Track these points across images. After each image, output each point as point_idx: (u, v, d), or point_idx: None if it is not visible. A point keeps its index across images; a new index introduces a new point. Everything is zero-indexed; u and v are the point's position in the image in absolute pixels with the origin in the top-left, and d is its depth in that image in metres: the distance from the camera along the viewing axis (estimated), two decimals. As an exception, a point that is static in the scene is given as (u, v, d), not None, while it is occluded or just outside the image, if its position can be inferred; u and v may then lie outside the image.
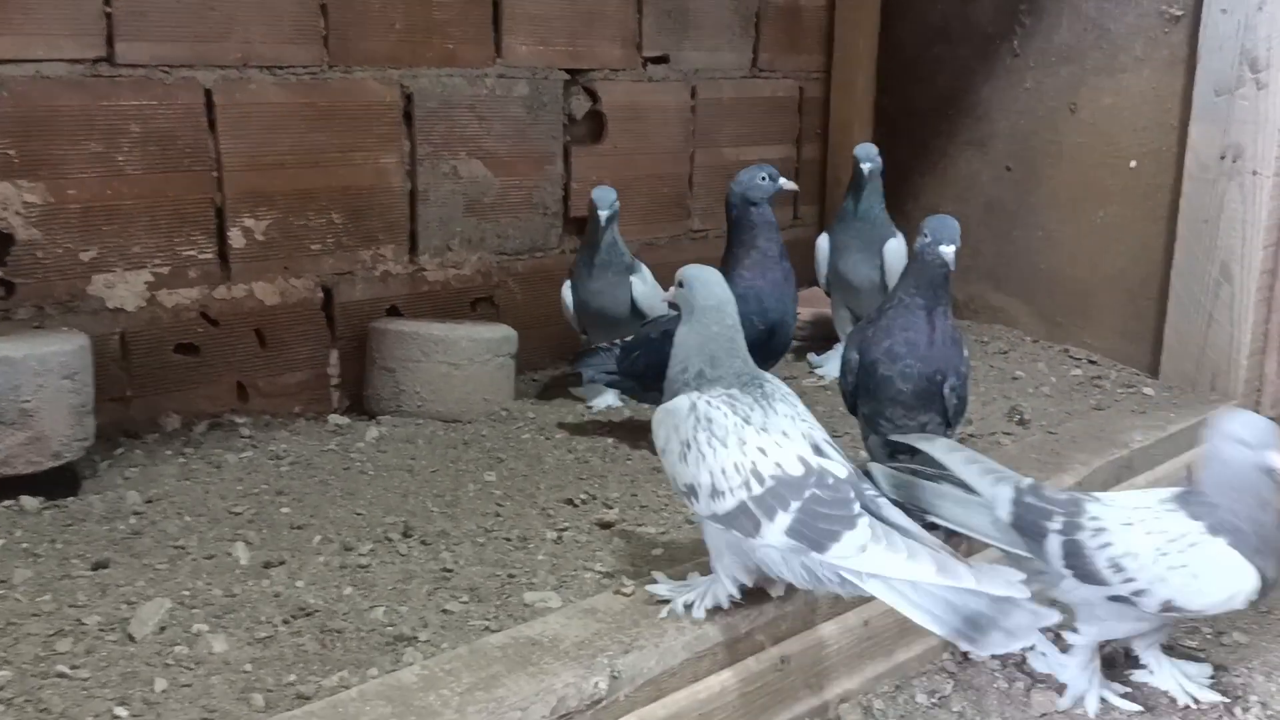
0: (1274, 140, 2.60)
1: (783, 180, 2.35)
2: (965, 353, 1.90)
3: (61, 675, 1.46)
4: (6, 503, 1.98)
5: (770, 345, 2.29)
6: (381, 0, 2.61)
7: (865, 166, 2.87)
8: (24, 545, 1.84)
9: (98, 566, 1.76)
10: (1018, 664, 1.87)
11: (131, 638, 1.55)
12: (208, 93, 2.41)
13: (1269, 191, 2.64)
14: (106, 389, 2.33)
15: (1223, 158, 2.69)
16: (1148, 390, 2.83)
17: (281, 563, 1.80)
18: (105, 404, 2.31)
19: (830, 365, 2.99)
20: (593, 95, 3.07)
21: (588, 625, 1.56)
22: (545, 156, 3.00)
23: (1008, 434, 2.53)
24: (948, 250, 1.80)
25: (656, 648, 1.52)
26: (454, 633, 1.59)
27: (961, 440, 2.46)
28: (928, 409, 1.86)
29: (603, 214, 2.57)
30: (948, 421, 1.89)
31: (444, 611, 1.66)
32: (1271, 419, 2.78)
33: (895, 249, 2.92)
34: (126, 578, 1.73)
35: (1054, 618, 1.35)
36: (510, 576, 1.77)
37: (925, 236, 1.83)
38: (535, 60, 2.92)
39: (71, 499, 2.04)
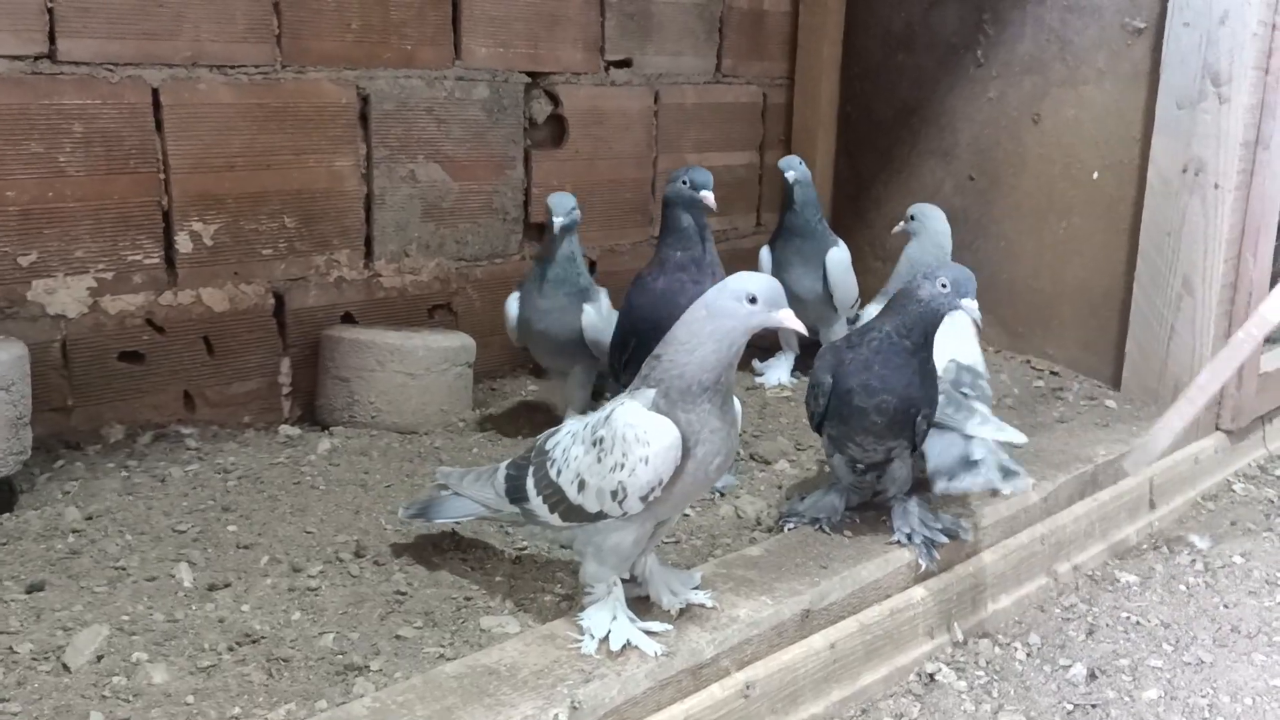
0: (1235, 154, 2.61)
1: (704, 193, 2.10)
2: (938, 382, 1.87)
3: (-11, 709, 1.38)
4: (-64, 520, 1.89)
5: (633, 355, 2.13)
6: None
7: (790, 175, 2.85)
8: (-47, 566, 1.76)
9: (32, 589, 1.68)
10: (984, 687, 1.85)
11: (66, 667, 1.47)
12: (155, 92, 2.33)
13: (1230, 205, 2.65)
14: (46, 398, 2.25)
15: (1185, 171, 2.70)
16: (1110, 403, 2.83)
17: (227, 585, 1.73)
18: (44, 414, 2.22)
19: (771, 374, 2.98)
20: (554, 99, 3.01)
21: (546, 652, 1.51)
22: (505, 161, 2.94)
23: (971, 447, 2.51)
24: (972, 306, 1.74)
25: (618, 676, 1.47)
26: (407, 661, 1.53)
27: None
28: (898, 436, 1.83)
29: (558, 221, 2.30)
30: (913, 445, 1.87)
31: (397, 638, 1.59)
32: (1229, 432, 2.84)
33: (837, 258, 2.91)
34: (63, 601, 1.65)
35: None
36: (466, 599, 1.72)
37: (943, 286, 1.74)
38: (495, 62, 2.86)
39: (6, 515, 1.95)
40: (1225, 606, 2.18)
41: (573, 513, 1.53)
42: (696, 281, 2.05)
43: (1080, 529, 2.35)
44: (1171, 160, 2.73)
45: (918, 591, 1.93)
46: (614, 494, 1.47)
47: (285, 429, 2.50)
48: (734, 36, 3.40)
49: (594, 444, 1.49)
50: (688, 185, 2.10)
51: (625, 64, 3.15)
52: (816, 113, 3.56)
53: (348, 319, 2.71)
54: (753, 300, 1.48)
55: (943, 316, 1.77)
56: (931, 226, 2.44)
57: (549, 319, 2.39)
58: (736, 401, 1.55)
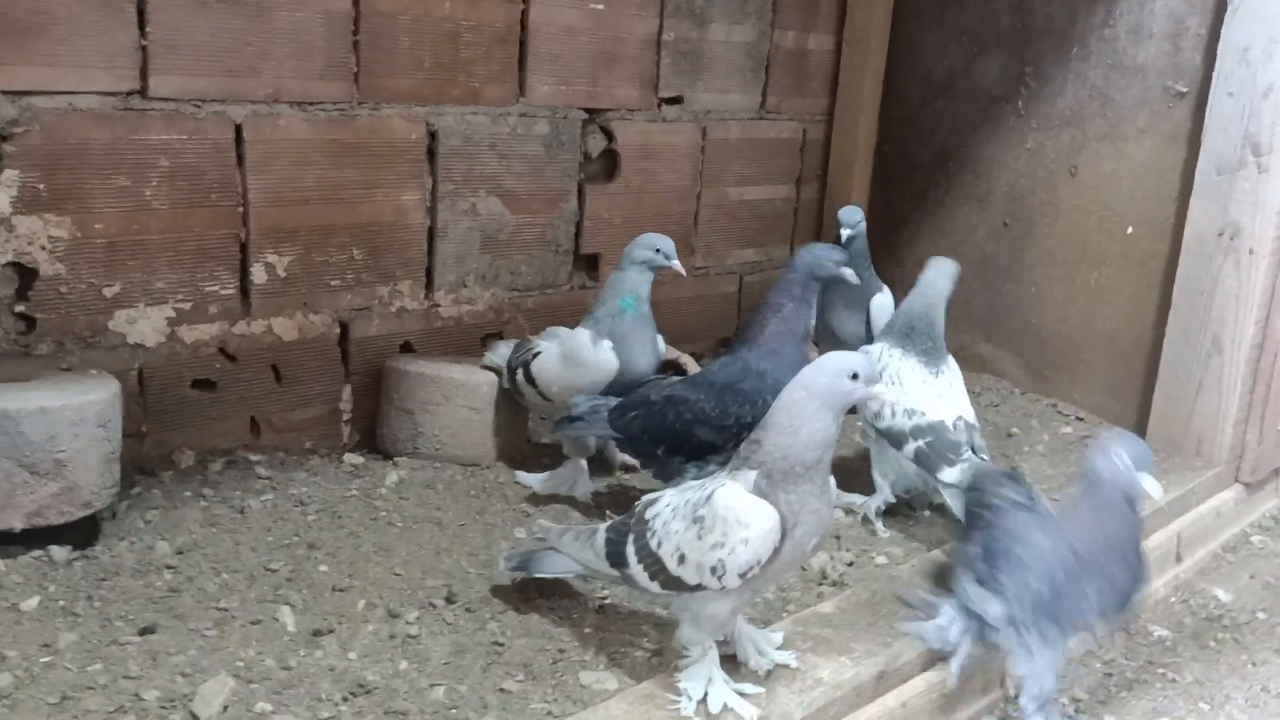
0: (1272, 222, 2.72)
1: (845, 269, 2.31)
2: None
3: (129, 759, 1.45)
4: (35, 553, 1.94)
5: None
6: (411, 38, 2.59)
7: (844, 233, 2.90)
8: (60, 603, 1.81)
9: (144, 632, 1.74)
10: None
11: (196, 717, 1.54)
12: (237, 128, 2.37)
13: (1264, 270, 2.76)
14: (124, 425, 2.29)
15: (1221, 234, 2.81)
16: (1136, 452, 2.94)
17: (331, 631, 1.79)
18: (123, 441, 2.27)
19: None
20: (608, 134, 3.08)
21: (648, 713, 1.59)
22: (560, 194, 3.00)
23: (1012, 497, 2.61)
24: (1152, 484, 1.72)
25: (723, 739, 1.56)
26: (517, 716, 1.61)
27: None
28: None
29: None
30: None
31: (502, 691, 1.67)
32: (1247, 484, 2.96)
33: (881, 304, 2.97)
34: (176, 645, 1.71)
35: None
36: (560, 651, 1.79)
37: (1115, 459, 1.70)
38: (556, 100, 2.92)
39: (100, 547, 2.01)
40: (1253, 665, 2.29)
41: (672, 582, 1.60)
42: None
43: (1115, 581, 2.45)
44: (1208, 223, 2.83)
45: (976, 650, 2.02)
46: (713, 570, 1.55)
47: (350, 457, 2.56)
48: (779, 74, 3.48)
49: (694, 521, 1.57)
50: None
51: (677, 100, 3.22)
52: (854, 150, 3.64)
53: (406, 347, 2.78)
54: (854, 377, 1.56)
55: (1137, 494, 1.74)
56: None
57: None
58: (832, 480, 1.63)
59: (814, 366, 1.60)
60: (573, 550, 1.77)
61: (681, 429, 2.15)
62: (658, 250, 2.41)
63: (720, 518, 1.54)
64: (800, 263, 2.25)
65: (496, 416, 2.57)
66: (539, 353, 2.47)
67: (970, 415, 2.33)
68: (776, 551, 1.54)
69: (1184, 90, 2.91)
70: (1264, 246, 2.74)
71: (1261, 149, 2.71)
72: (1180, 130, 2.93)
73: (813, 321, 2.29)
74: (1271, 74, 2.68)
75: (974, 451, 2.25)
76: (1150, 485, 1.71)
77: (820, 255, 2.25)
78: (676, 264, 2.43)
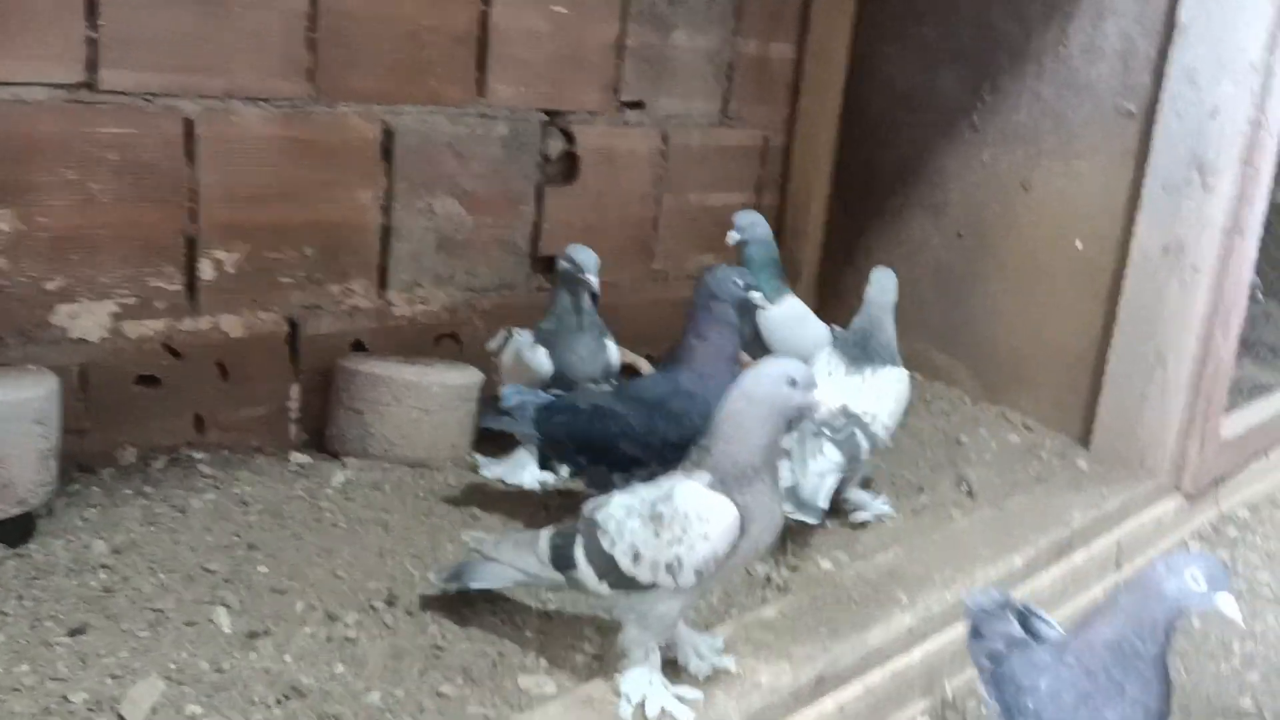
0: (1215, 240, 2.78)
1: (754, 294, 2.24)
2: None
3: (54, 763, 1.43)
4: (-35, 552, 1.91)
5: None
6: (371, 36, 2.57)
7: (731, 236, 2.81)
8: (-9, 602, 1.78)
9: (75, 632, 1.72)
10: (975, 749, 1.97)
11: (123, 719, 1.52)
12: (189, 123, 2.35)
13: (1205, 287, 2.81)
14: (65, 422, 2.25)
15: (1166, 251, 2.86)
16: (1081, 463, 2.99)
17: (267, 633, 1.78)
18: (62, 437, 2.24)
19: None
20: (569, 137, 3.08)
21: (585, 717, 1.60)
22: (519, 196, 2.99)
23: (958, 506, 2.65)
24: (1230, 604, 1.47)
25: (657, 744, 1.56)
26: (452, 720, 1.61)
27: (914, 511, 2.60)
28: None
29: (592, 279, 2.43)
30: None
31: (439, 695, 1.67)
32: (1190, 495, 3.01)
33: (772, 318, 2.82)
34: (107, 646, 1.69)
35: None
36: (500, 655, 1.79)
37: (1196, 583, 1.46)
38: (517, 101, 2.91)
39: (34, 545, 1.97)
40: (1186, 672, 2.34)
41: (623, 582, 1.61)
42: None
43: (1056, 590, 2.50)
44: (1153, 239, 2.88)
45: (916, 654, 2.05)
46: (669, 567, 1.56)
47: (296, 456, 2.54)
48: (741, 82, 3.49)
49: (652, 518, 1.58)
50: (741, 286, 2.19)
51: (638, 105, 3.22)
52: (814, 159, 3.67)
53: (358, 346, 2.76)
54: (793, 384, 1.59)
55: (1187, 615, 1.52)
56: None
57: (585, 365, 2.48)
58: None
59: (753, 374, 1.62)
60: (512, 558, 1.77)
61: (606, 441, 2.15)
62: (575, 261, 2.43)
63: (681, 513, 1.56)
64: (701, 289, 2.20)
65: (448, 418, 2.56)
66: (508, 343, 2.56)
67: (865, 409, 2.38)
68: (733, 549, 1.56)
69: (1133, 110, 2.96)
70: (1206, 264, 2.80)
71: (1207, 169, 2.77)
72: (1129, 148, 2.97)
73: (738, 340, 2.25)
74: (1218, 96, 2.73)
75: (831, 432, 2.31)
76: (1228, 606, 1.47)
77: (721, 278, 2.20)
78: (590, 278, 2.43)
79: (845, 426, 2.32)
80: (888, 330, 2.48)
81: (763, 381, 1.59)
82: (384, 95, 2.64)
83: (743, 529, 1.56)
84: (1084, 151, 3.09)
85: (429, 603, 1.93)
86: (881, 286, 2.50)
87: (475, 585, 1.85)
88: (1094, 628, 1.53)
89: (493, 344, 2.63)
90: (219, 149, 2.39)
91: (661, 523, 1.57)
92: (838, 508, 2.42)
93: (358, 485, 2.41)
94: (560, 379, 2.44)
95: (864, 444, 2.35)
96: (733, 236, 2.84)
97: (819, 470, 2.26)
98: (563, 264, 2.48)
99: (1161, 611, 1.47)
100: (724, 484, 1.56)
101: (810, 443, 2.30)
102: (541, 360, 2.45)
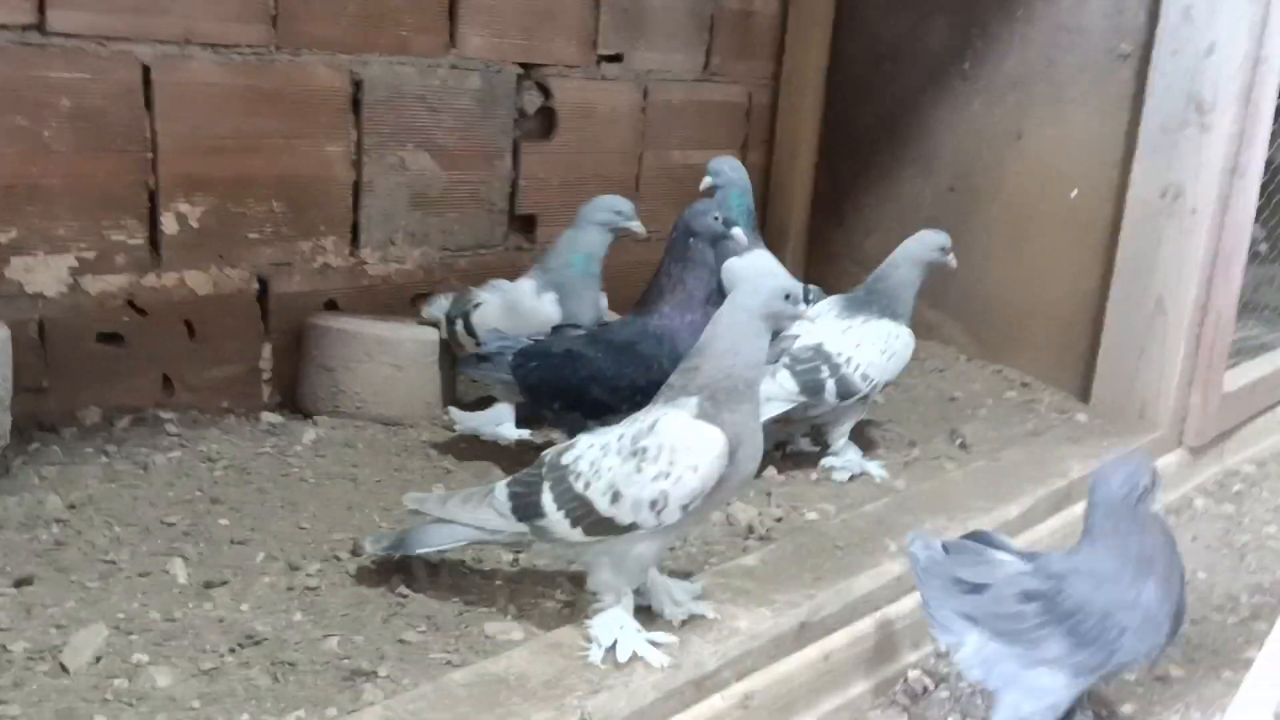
0: (1214, 181, 2.68)
1: (735, 229, 2.21)
2: None
3: (-13, 711, 1.35)
4: (-87, 507, 1.83)
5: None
6: (335, -19, 2.49)
7: (705, 181, 2.73)
8: (-65, 556, 1.71)
9: (20, 583, 1.64)
10: (969, 697, 1.89)
11: (64, 668, 1.44)
12: (146, 69, 2.26)
13: (1205, 230, 2.72)
14: (21, 379, 2.17)
15: (1164, 195, 2.76)
16: (1080, 417, 2.90)
17: (224, 583, 1.70)
18: (19, 395, 2.15)
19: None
20: (545, 91, 2.99)
21: (554, 662, 1.52)
22: (495, 152, 2.91)
23: (951, 459, 2.56)
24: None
25: (626, 688, 1.49)
26: (414, 666, 1.52)
27: (905, 464, 2.52)
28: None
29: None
30: None
31: (401, 642, 1.59)
32: (1193, 448, 2.92)
33: (735, 268, 2.61)
34: (54, 597, 1.61)
35: None
36: (468, 603, 1.71)
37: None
38: (489, 53, 2.83)
39: (-16, 502, 1.90)
40: (1193, 622, 2.25)
41: (599, 526, 1.53)
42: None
43: (1055, 541, 2.41)
44: (1151, 184, 2.79)
45: (906, 603, 1.96)
46: (653, 503, 1.49)
47: (267, 416, 2.46)
48: (723, 36, 3.40)
49: (633, 454, 1.50)
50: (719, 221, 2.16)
51: (617, 59, 3.13)
52: (801, 116, 3.58)
53: (331, 306, 2.68)
54: (787, 297, 1.54)
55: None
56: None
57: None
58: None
59: (748, 288, 1.58)
60: (463, 515, 1.65)
61: (577, 385, 2.10)
62: (618, 212, 2.44)
63: (667, 446, 1.49)
64: (679, 225, 2.18)
65: (421, 375, 2.48)
66: (480, 304, 2.48)
67: (840, 350, 2.31)
68: (722, 478, 1.49)
69: (1128, 51, 2.87)
70: (1206, 206, 2.71)
71: (1205, 107, 2.67)
72: (1124, 93, 2.88)
73: (713, 282, 2.19)
74: (1214, 32, 2.64)
75: (793, 362, 2.28)
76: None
77: (699, 212, 2.18)
78: (636, 225, 2.45)
79: (811, 360, 2.24)
80: (900, 286, 2.42)
81: (760, 293, 1.56)
82: (350, 44, 2.56)
83: (731, 453, 1.49)
84: (1077, 97, 2.99)
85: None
86: (908, 247, 2.45)
87: (421, 550, 1.71)
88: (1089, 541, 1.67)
89: (431, 309, 2.59)
90: (178, 96, 2.31)
91: (645, 457, 1.49)
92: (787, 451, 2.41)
93: (329, 443, 2.33)
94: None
95: (829, 384, 2.27)
96: (706, 181, 2.73)
97: (765, 394, 2.13)
98: (604, 214, 2.44)
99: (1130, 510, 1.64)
100: (714, 402, 1.50)
101: (769, 370, 2.22)
102: (551, 308, 2.42)
